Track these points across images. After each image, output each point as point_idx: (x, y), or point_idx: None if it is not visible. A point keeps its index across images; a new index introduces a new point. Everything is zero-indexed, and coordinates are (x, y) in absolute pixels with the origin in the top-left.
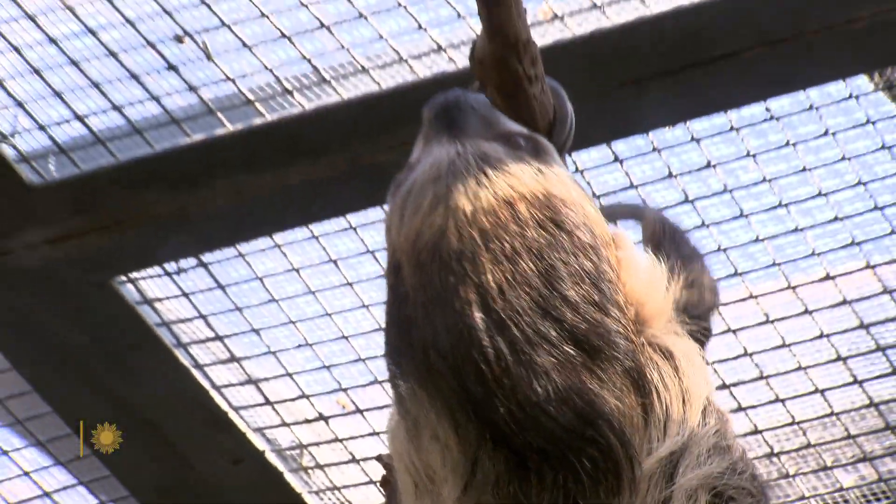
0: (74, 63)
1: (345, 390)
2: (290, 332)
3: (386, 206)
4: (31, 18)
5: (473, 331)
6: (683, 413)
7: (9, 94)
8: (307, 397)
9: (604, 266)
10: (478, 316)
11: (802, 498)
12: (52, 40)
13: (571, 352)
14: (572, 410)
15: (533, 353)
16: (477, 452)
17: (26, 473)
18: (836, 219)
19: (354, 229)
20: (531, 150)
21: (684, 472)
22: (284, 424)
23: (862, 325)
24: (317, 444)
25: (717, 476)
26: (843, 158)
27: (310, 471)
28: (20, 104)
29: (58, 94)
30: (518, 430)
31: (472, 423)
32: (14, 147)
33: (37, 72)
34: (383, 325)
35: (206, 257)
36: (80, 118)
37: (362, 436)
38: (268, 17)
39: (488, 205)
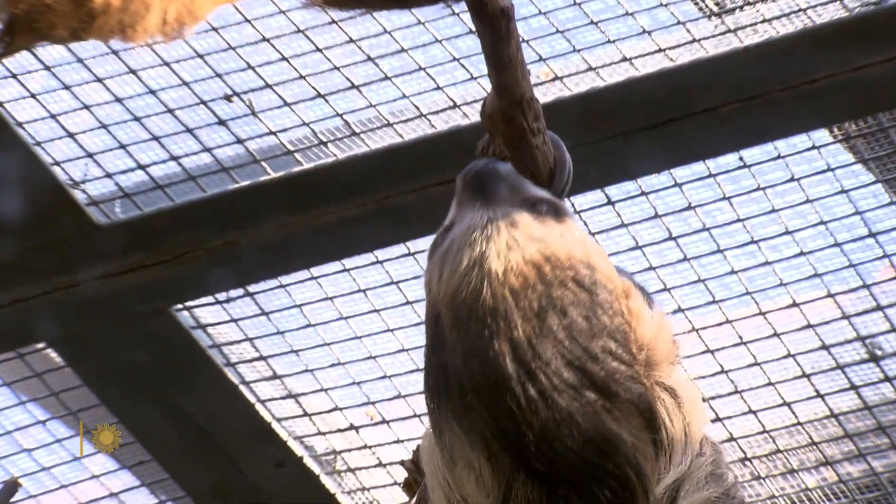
0: (137, 119)
1: (373, 403)
2: (325, 353)
3: (426, 263)
4: (101, 81)
5: (506, 379)
6: (685, 444)
7: (80, 146)
8: (340, 409)
9: (618, 319)
10: (510, 366)
11: (772, 497)
12: (119, 100)
13: (592, 396)
14: (594, 448)
15: (559, 398)
16: (510, 481)
17: (96, 476)
18: (800, 254)
19: (381, 263)
20: (553, 215)
21: (685, 496)
22: (320, 433)
23: (823, 346)
24: (348, 450)
25: (714, 500)
26: (807, 201)
27: (342, 474)
28: (90, 155)
29: (123, 147)
30: (547, 464)
31: (505, 455)
32: (85, 192)
33: (105, 127)
34: (422, 367)
35: (252, 288)
36: (142, 167)
37: (388, 443)
38: (305, 79)
39: (517, 267)
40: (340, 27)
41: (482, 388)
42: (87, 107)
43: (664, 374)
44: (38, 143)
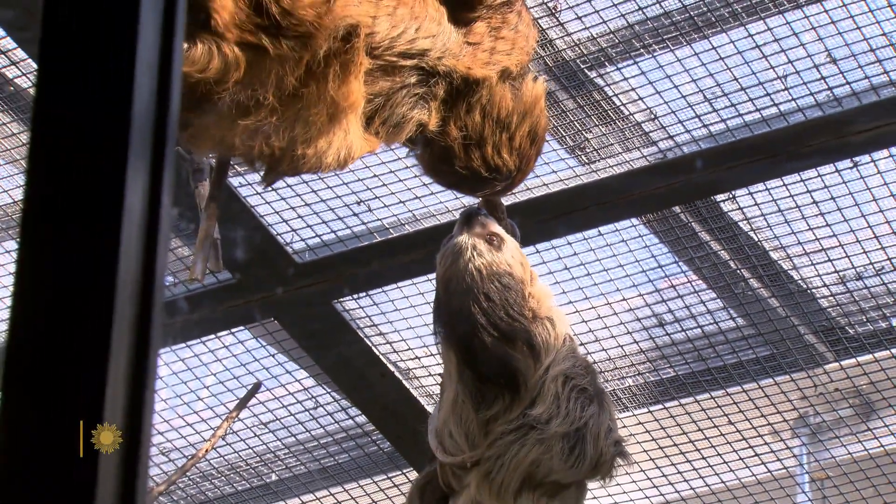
0: (316, 213)
1: (427, 346)
2: (404, 322)
3: (439, 254)
4: (300, 200)
5: (460, 326)
6: (554, 344)
7: (290, 226)
8: (411, 349)
9: (519, 298)
10: (462, 320)
11: (613, 391)
12: (307, 204)
13: (501, 338)
14: (499, 364)
15: (486, 337)
16: (463, 370)
17: (298, 380)
18: (626, 276)
19: (430, 282)
20: (497, 245)
21: (553, 368)
22: (402, 360)
23: (637, 319)
24: (416, 368)
25: (568, 368)
26: (629, 251)
27: (412, 380)
28: (294, 230)
29: (309, 227)
30: (480, 368)
31: (461, 361)
32: (291, 248)
33: (300, 217)
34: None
35: (370, 292)
36: (318, 236)
37: (437, 364)
38: (395, 195)
39: (471, 270)
40: (412, 170)
41: (452, 329)
42: (292, 208)
43: (547, 311)
44: (269, 225)
